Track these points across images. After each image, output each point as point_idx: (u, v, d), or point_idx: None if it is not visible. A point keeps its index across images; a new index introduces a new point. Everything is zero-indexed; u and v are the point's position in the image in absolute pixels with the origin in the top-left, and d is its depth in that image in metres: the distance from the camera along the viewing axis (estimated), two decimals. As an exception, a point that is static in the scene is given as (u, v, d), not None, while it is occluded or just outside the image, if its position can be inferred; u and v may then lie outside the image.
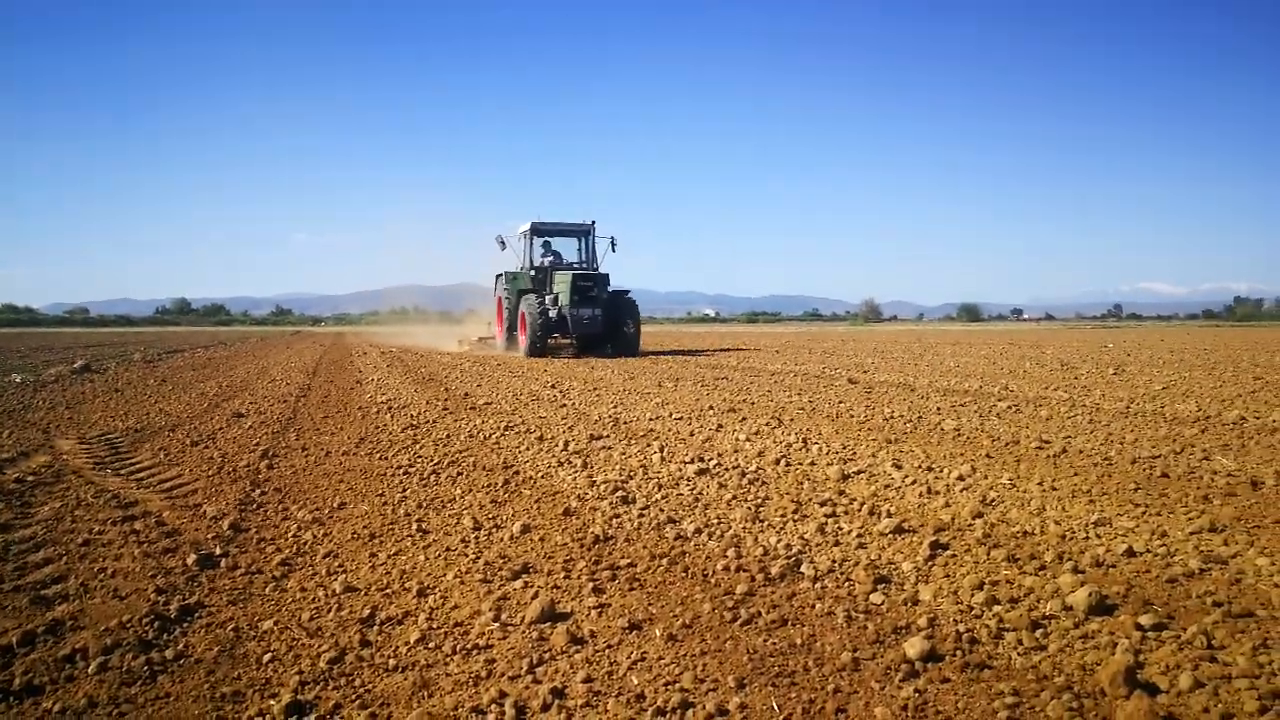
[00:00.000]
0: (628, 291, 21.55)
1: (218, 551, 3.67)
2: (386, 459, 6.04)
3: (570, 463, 5.74)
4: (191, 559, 3.52)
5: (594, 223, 22.78)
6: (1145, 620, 2.64)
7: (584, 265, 22.28)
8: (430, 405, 9.61)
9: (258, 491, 4.98)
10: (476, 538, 3.84)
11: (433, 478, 5.33)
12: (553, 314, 20.51)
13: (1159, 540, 3.61)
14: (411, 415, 8.61)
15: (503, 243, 22.65)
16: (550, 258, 22.51)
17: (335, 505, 4.60)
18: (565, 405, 9.37)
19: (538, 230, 22.58)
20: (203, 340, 40.80)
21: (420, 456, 6.11)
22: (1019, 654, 2.46)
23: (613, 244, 22.12)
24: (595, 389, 11.15)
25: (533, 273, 21.97)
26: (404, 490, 4.98)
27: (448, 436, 7.06)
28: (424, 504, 4.60)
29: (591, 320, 20.19)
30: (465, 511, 4.39)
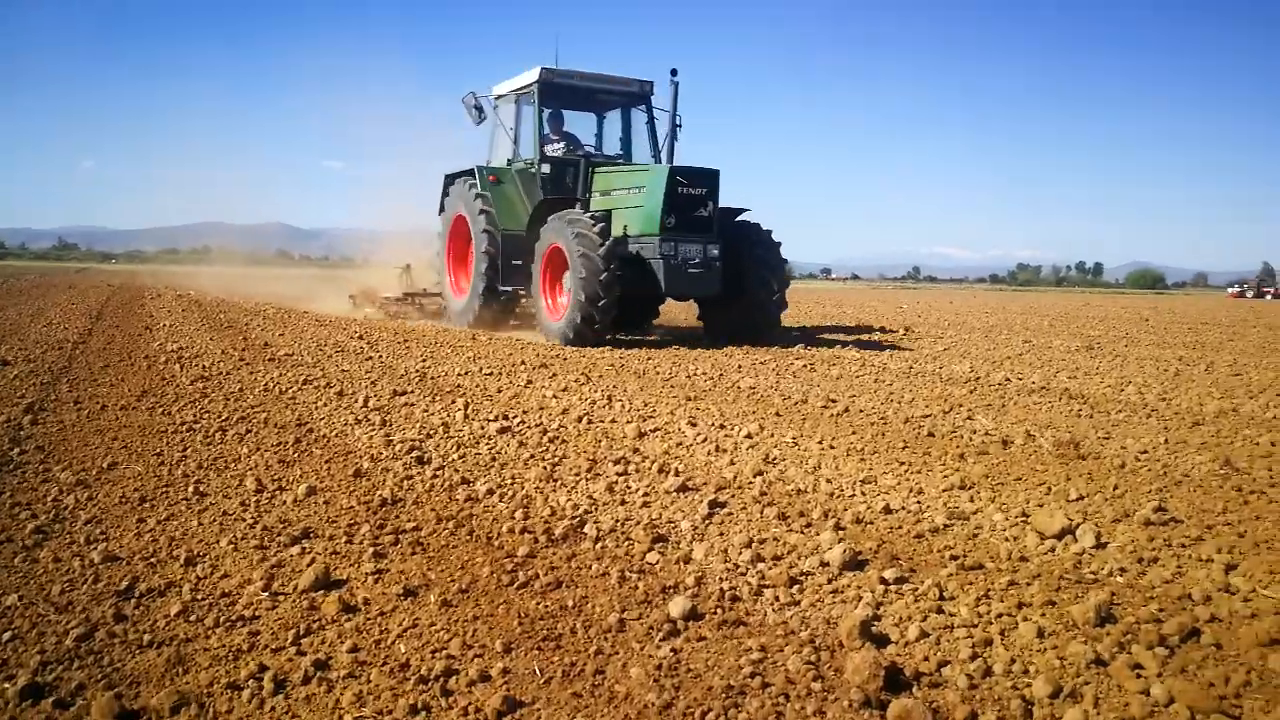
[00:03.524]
0: (742, 212, 12.08)
1: (-39, 520, 3.39)
2: (170, 414, 5.71)
3: (369, 420, 5.62)
4: (-72, 529, 3.23)
5: (653, 84, 13.05)
6: (889, 574, 2.88)
7: (621, 160, 13.29)
8: (226, 355, 9.14)
9: (16, 450, 4.61)
10: (258, 501, 3.72)
11: (219, 435, 5.09)
12: (630, 251, 11.10)
13: (914, 498, 3.93)
14: (203, 366, 8.16)
15: (478, 108, 13.12)
16: (563, 143, 13.14)
17: (105, 466, 4.33)
18: (371, 358, 9.13)
19: (551, 87, 12.56)
20: (-31, 275, 36.98)
21: (207, 412, 5.81)
22: (774, 610, 2.64)
23: (675, 126, 12.10)
24: (405, 341, 10.91)
25: (543, 169, 12.53)
26: (185, 449, 4.73)
27: (240, 390, 6.75)
28: (205, 464, 4.39)
29: (705, 267, 10.99)
30: (249, 472, 4.23)
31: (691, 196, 11.01)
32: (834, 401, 6.77)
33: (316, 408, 6.05)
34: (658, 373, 8.26)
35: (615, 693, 2.09)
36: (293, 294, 22.82)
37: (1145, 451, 5.14)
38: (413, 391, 6.84)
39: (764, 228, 12.05)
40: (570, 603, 2.63)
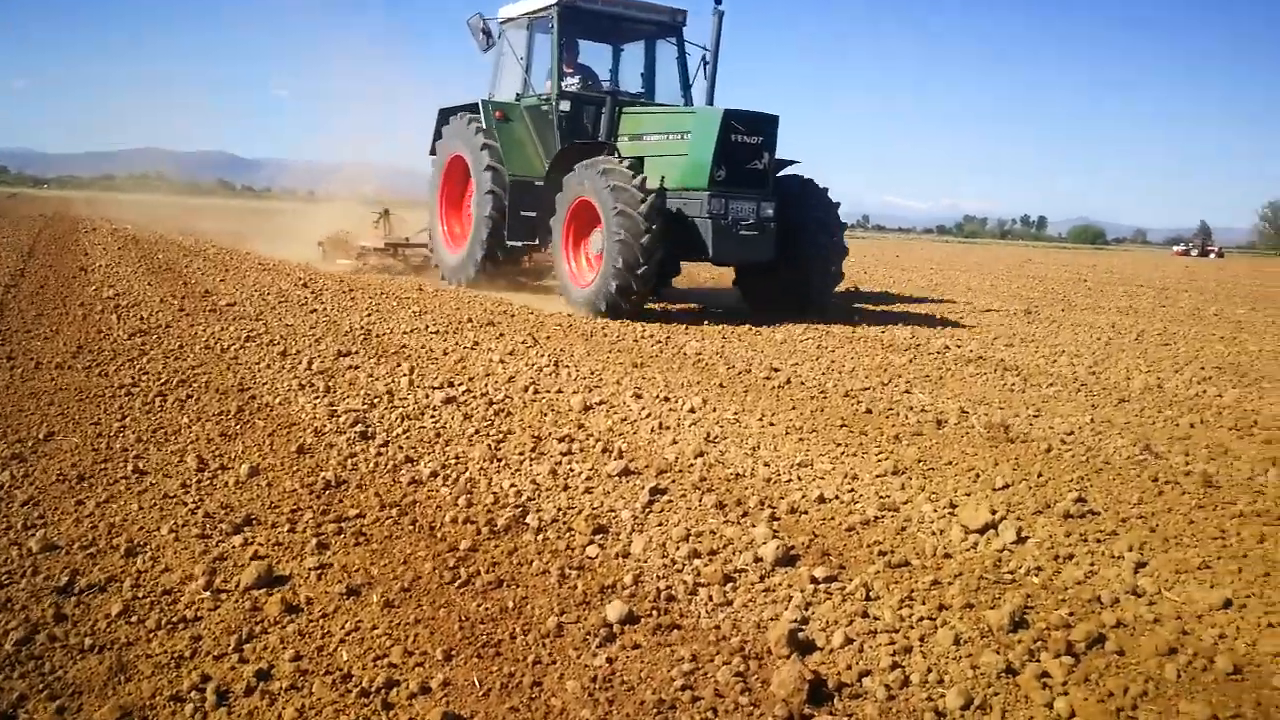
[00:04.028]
0: (790, 164, 10.42)
1: (-108, 501, 3.35)
2: (107, 375, 5.63)
3: (312, 385, 5.59)
4: None
5: (686, 13, 11.75)
6: (820, 572, 3.00)
7: (645, 99, 11.70)
8: (165, 304, 8.97)
9: (-53, 418, 4.52)
10: (199, 481, 3.71)
11: (159, 401, 5.04)
12: (669, 208, 9.52)
13: (848, 485, 4.06)
14: (142, 317, 8.01)
15: (486, 32, 11.82)
16: (578, 78, 11.57)
17: (41, 437, 4.27)
18: (316, 310, 9.03)
19: (573, 12, 11.08)
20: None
21: (146, 373, 5.73)
22: (707, 611, 2.74)
23: (705, 62, 11.13)
24: (350, 291, 10.78)
25: (562, 106, 11.01)
26: (124, 418, 4.68)
27: (180, 348, 6.65)
28: (145, 436, 4.36)
29: (760, 229, 9.63)
30: (190, 447, 4.21)
31: (746, 146, 9.54)
32: (776, 371, 6.89)
33: (259, 370, 6.00)
34: (605, 335, 8.30)
35: (551, 707, 2.18)
36: (234, 230, 22.35)
37: (1071, 433, 5.34)
38: (357, 352, 6.80)
39: (815, 183, 10.57)
40: (511, 604, 2.70)
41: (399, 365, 6.34)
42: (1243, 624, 2.81)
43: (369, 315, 8.86)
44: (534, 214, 10.90)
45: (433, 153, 13.02)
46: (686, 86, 11.82)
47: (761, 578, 3.00)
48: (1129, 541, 3.44)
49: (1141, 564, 3.25)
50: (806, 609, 2.79)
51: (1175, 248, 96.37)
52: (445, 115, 12.64)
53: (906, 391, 6.37)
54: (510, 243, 11.28)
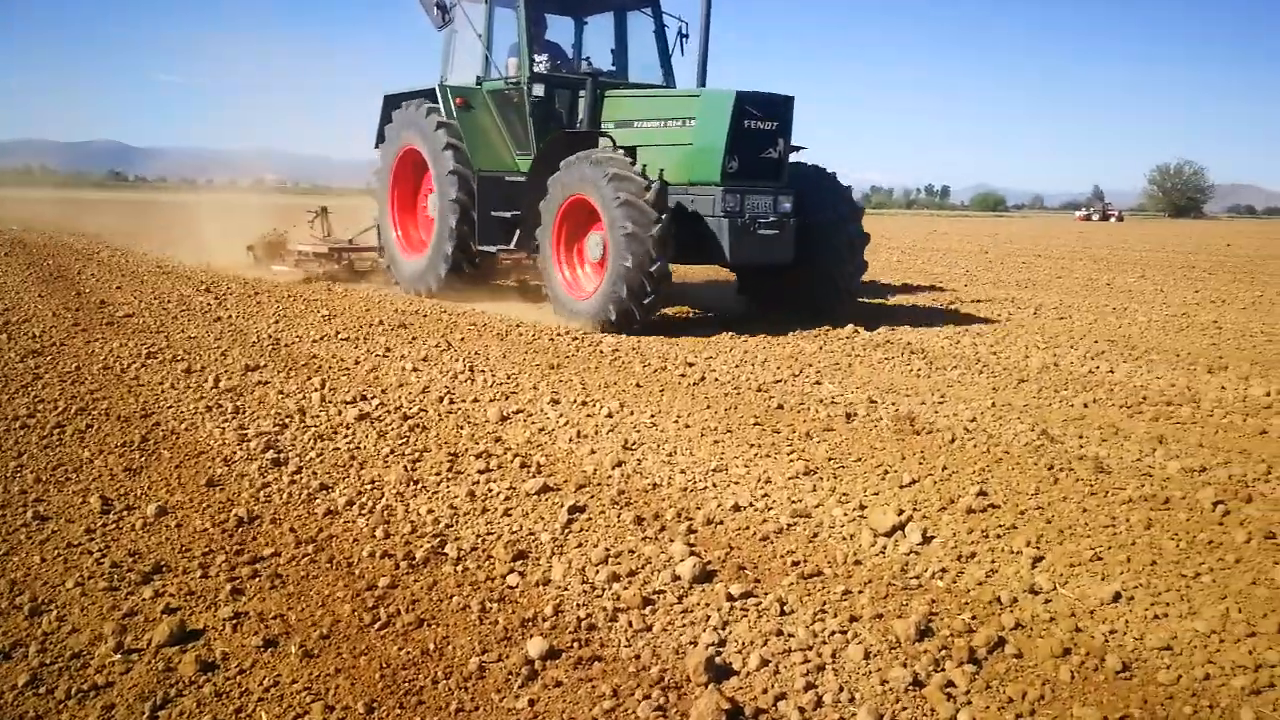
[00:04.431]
0: (797, 150, 9.24)
1: None
2: (0, 406, 5.40)
3: (220, 406, 5.46)
4: None
5: None
6: (736, 589, 3.08)
7: (585, 74, 10.07)
8: (58, 318, 8.63)
9: None
10: (105, 526, 3.61)
11: (57, 434, 4.86)
12: (682, 205, 8.69)
13: (762, 490, 4.16)
14: (34, 335, 7.69)
15: (441, 6, 10.50)
16: (544, 57, 10.27)
17: (-69, 482, 4.09)
18: (221, 319, 8.79)
19: None
20: None
21: (43, 401, 5.52)
22: (627, 639, 2.80)
23: (682, 37, 10.44)
24: (256, 295, 10.50)
25: (535, 91, 9.83)
26: (20, 455, 4.50)
27: (77, 369, 6.41)
28: (45, 476, 4.20)
29: (779, 227, 8.69)
30: (94, 485, 4.09)
31: (760, 132, 8.52)
32: (691, 366, 6.98)
33: (163, 391, 5.83)
34: (520, 335, 8.27)
35: (475, 757, 2.21)
36: (129, 230, 21.45)
37: (974, 420, 5.55)
38: (266, 365, 6.66)
39: (833, 174, 9.70)
40: (432, 645, 2.71)
41: (310, 378, 6.23)
42: (1131, 617, 2.98)
43: (276, 322, 8.67)
44: (507, 214, 9.89)
45: (379, 144, 11.70)
46: (667, 63, 10.72)
47: (680, 598, 3.07)
48: (1027, 535, 3.62)
49: (1039, 559, 3.42)
50: (724, 629, 2.87)
51: (1078, 213, 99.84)
52: (393, 102, 11.36)
53: (816, 383, 6.52)
54: (481, 247, 10.18)
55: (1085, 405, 6.04)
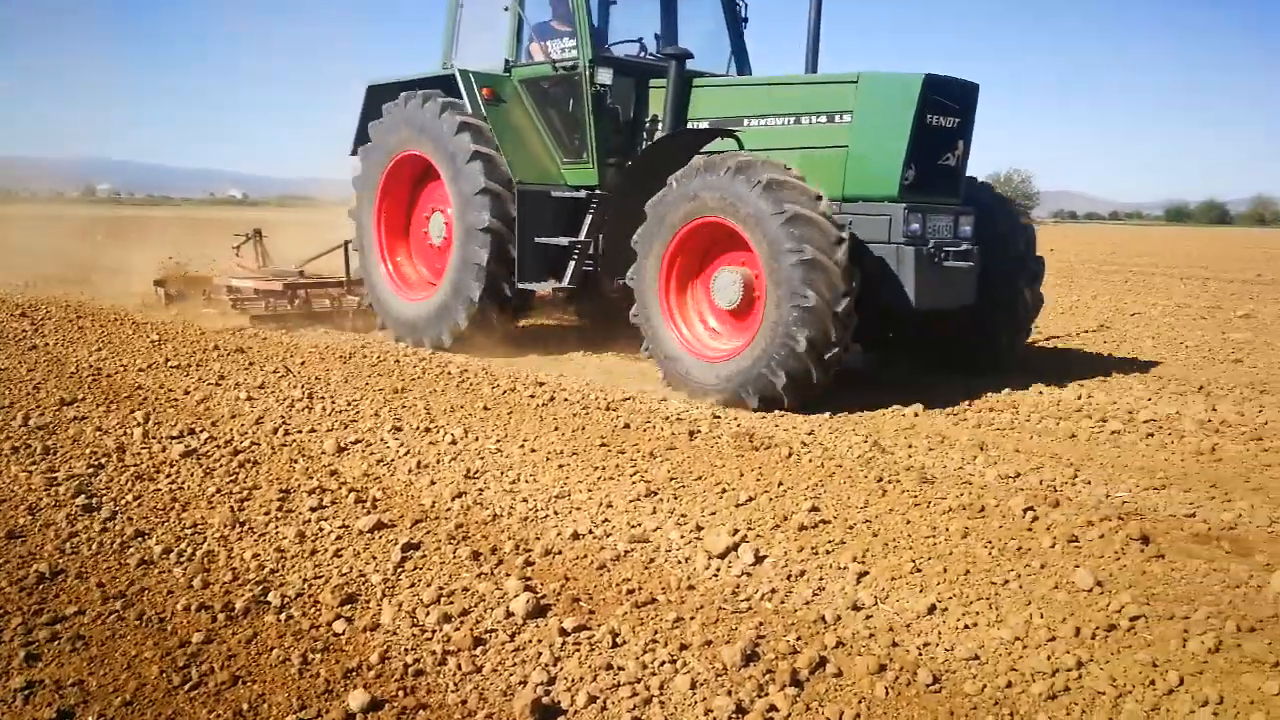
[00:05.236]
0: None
1: None
2: None
3: (28, 447, 5.08)
4: None
5: None
6: (569, 622, 3.08)
7: (667, 55, 7.73)
8: None
9: None
10: (-118, 591, 3.30)
11: None
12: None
13: (603, 515, 4.17)
14: None
15: None
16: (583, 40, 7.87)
17: None
18: (37, 347, 8.19)
19: None
20: None
21: None
22: (455, 683, 2.75)
23: (743, 18, 8.93)
24: (78, 319, 9.83)
25: (600, 77, 7.67)
26: None
27: None
28: None
29: (965, 257, 6.56)
30: (-127, 544, 3.72)
31: (941, 132, 6.59)
32: (542, 385, 6.94)
33: (-37, 433, 5.38)
34: (365, 356, 8.04)
35: (284, 827, 2.12)
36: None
37: (812, 432, 5.74)
38: (84, 399, 6.24)
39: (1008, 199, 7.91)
40: (246, 705, 2.59)
41: (133, 412, 5.87)
42: (944, 628, 3.14)
43: (100, 349, 8.14)
44: (563, 240, 7.92)
45: (356, 149, 9.30)
46: (741, 46, 8.90)
47: (512, 635, 3.03)
48: (854, 550, 3.75)
49: (863, 573, 3.56)
50: (555, 665, 2.85)
51: None
52: (382, 94, 8.90)
53: (663, 400, 6.60)
54: (523, 285, 8.00)
55: (915, 415, 6.33)
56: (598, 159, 7.93)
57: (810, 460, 5.09)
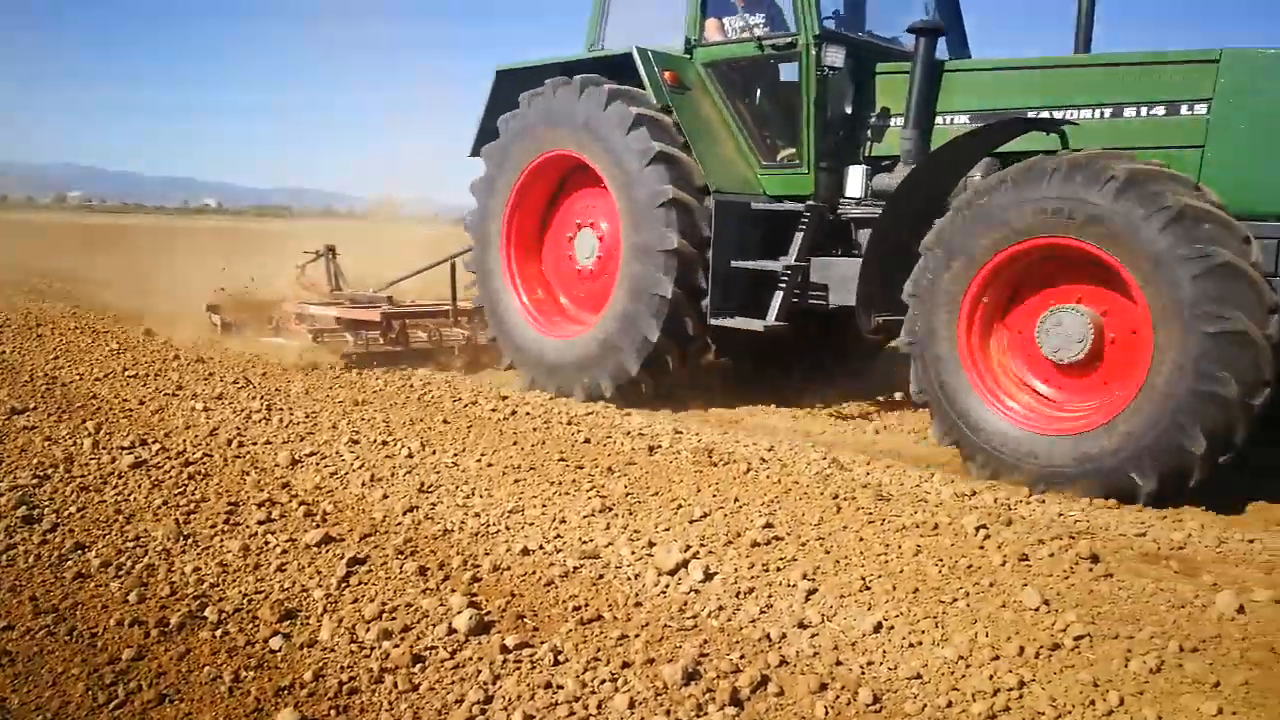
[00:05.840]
0: None
1: None
2: None
3: (-27, 458, 4.98)
4: None
5: None
6: (512, 640, 3.03)
7: (919, 30, 6.10)
8: None
9: None
10: None
11: None
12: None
13: (555, 531, 4.13)
14: None
15: None
16: (762, 16, 6.98)
17: None
18: (-9, 355, 8.05)
19: None
20: None
21: None
22: (390, 701, 2.70)
23: None
24: (38, 327, 9.69)
25: (830, 58, 6.24)
26: None
27: None
28: None
29: None
30: None
31: None
32: (504, 400, 6.90)
33: (-93, 441, 5.27)
34: (330, 369, 7.96)
35: None
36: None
37: (771, 448, 5.72)
38: (36, 408, 6.13)
39: None
40: (171, 726, 2.53)
41: (84, 422, 5.77)
42: (889, 646, 3.12)
43: (57, 357, 8.03)
44: (774, 263, 6.50)
45: (478, 149, 7.82)
46: (959, 24, 7.43)
47: (453, 653, 2.99)
48: (804, 568, 3.72)
49: (813, 590, 3.53)
50: (494, 683, 2.81)
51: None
52: (517, 80, 7.43)
53: (627, 414, 6.57)
54: (718, 321, 6.64)
55: (877, 433, 6.34)
56: (813, 163, 6.60)
57: (768, 476, 5.07)
